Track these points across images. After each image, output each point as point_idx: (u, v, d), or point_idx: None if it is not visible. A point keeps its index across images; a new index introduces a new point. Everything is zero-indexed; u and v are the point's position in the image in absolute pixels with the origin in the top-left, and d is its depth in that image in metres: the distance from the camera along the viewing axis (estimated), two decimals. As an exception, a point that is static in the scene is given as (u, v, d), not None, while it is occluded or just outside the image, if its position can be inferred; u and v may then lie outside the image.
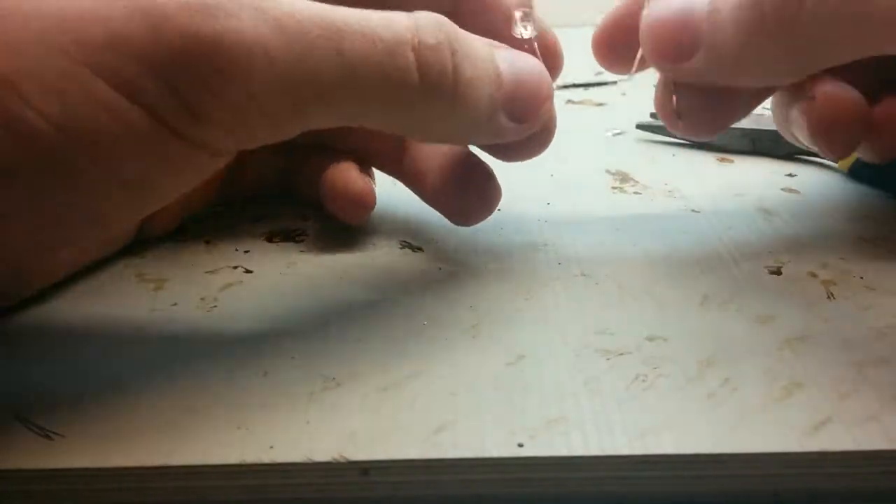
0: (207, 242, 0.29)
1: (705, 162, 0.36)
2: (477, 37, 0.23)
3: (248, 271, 0.27)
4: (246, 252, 0.29)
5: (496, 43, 0.24)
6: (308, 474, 0.19)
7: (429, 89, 0.21)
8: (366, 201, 0.28)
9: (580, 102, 0.45)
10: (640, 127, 0.39)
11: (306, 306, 0.25)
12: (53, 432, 0.20)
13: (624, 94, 0.46)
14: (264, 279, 0.27)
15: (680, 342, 0.23)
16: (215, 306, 0.25)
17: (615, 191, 0.33)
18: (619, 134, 0.40)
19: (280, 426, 0.20)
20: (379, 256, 0.28)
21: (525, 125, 0.24)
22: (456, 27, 0.22)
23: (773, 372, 0.21)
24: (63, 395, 0.21)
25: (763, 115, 0.39)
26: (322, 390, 0.21)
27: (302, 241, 0.29)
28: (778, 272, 0.26)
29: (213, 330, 0.24)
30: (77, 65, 0.18)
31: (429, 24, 0.21)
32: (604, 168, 0.35)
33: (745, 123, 0.37)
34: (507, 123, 0.23)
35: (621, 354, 0.22)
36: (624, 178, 0.34)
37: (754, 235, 0.29)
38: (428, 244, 0.29)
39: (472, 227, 0.29)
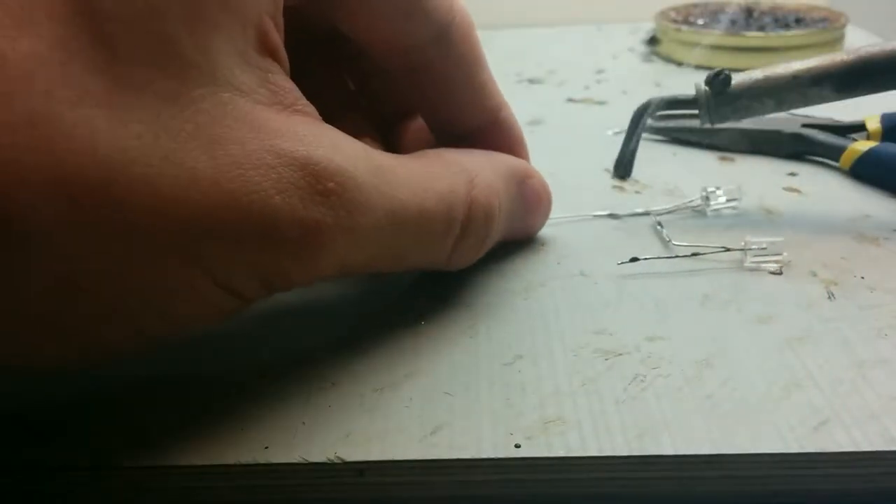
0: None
1: (706, 161, 0.36)
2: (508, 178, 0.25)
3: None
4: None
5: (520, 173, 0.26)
6: (304, 475, 0.19)
7: (462, 242, 0.23)
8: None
9: (581, 101, 0.45)
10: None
11: (302, 306, 0.25)
12: (51, 432, 0.20)
13: (625, 93, 0.46)
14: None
15: (679, 342, 0.22)
16: (212, 306, 0.25)
17: (615, 190, 0.33)
18: (619, 133, 0.40)
19: (276, 426, 0.20)
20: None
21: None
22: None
23: (773, 372, 0.21)
24: (58, 395, 0.21)
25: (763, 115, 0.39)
26: (318, 390, 0.21)
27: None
28: (778, 272, 0.26)
29: (208, 330, 0.24)
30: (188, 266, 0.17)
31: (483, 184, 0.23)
32: (604, 167, 0.35)
33: (745, 124, 0.37)
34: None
35: (620, 355, 0.22)
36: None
37: (755, 235, 0.29)
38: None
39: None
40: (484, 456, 0.19)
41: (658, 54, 0.55)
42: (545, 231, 0.29)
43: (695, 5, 0.58)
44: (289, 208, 0.18)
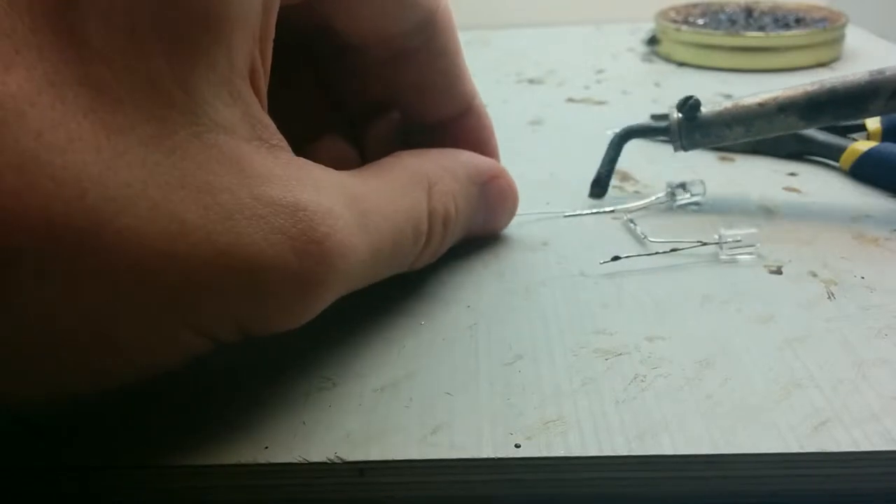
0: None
1: (706, 161, 0.36)
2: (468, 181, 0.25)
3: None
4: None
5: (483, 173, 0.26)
6: (303, 475, 0.19)
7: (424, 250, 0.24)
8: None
9: (581, 101, 0.45)
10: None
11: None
12: (49, 431, 0.20)
13: (625, 93, 0.46)
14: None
15: (679, 342, 0.22)
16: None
17: (615, 189, 0.33)
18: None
19: (275, 426, 0.20)
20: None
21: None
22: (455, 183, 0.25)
23: (773, 372, 0.21)
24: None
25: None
26: (318, 390, 0.21)
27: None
28: (778, 272, 0.26)
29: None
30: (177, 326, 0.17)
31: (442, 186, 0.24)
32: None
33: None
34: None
35: (620, 355, 0.22)
36: (624, 176, 0.34)
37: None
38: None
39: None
40: (484, 456, 0.19)
41: (658, 54, 0.55)
42: (545, 230, 0.29)
43: (695, 5, 0.58)
44: (283, 262, 0.17)
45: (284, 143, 0.19)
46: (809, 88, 0.29)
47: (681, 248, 0.27)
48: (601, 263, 0.27)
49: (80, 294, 0.15)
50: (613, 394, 0.20)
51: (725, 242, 0.27)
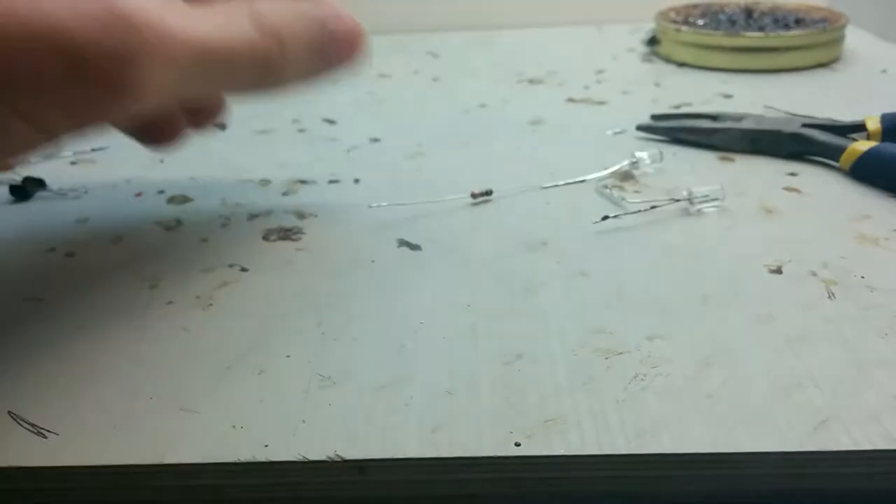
0: (203, 240, 0.29)
1: (706, 161, 0.36)
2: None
3: (244, 270, 0.27)
4: (242, 250, 0.28)
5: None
6: (303, 473, 0.19)
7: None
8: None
9: (581, 101, 0.45)
10: (640, 128, 0.39)
11: (302, 305, 0.25)
12: (47, 430, 0.20)
13: (625, 93, 0.46)
14: (260, 277, 0.27)
15: (679, 342, 0.22)
16: (211, 304, 0.25)
17: (615, 189, 0.33)
18: (619, 133, 0.40)
19: (275, 425, 0.20)
20: (376, 255, 0.28)
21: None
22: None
23: (773, 372, 0.21)
24: (57, 393, 0.21)
25: (763, 115, 0.39)
26: (318, 389, 0.21)
27: (298, 239, 0.29)
28: (778, 271, 0.26)
29: (208, 328, 0.24)
30: None
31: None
32: (603, 166, 0.35)
33: (745, 124, 0.37)
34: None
35: (620, 354, 0.22)
36: (624, 176, 0.34)
37: (755, 234, 0.29)
38: (426, 242, 0.29)
39: (470, 226, 0.28)
40: (484, 454, 0.19)
41: (658, 54, 0.55)
42: (545, 230, 0.29)
43: (695, 6, 0.58)
44: (94, 43, 0.17)
45: None
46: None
47: (659, 205, 0.30)
48: (594, 223, 0.29)
49: None
50: (613, 393, 0.20)
51: (695, 198, 0.30)
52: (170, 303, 0.25)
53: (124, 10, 0.18)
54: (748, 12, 0.56)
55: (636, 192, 0.33)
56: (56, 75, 0.17)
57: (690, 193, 0.30)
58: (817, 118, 0.38)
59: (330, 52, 0.25)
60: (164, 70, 0.19)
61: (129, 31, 0.18)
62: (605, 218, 0.29)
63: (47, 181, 0.34)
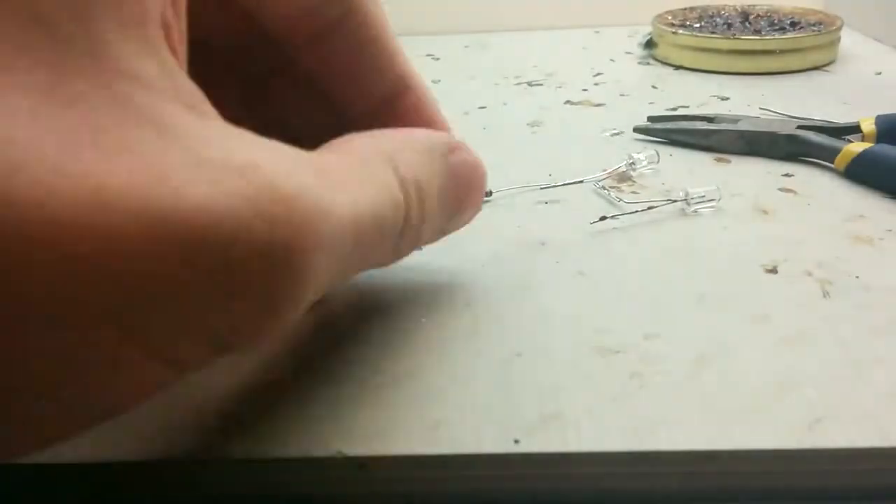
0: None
1: (702, 162, 0.36)
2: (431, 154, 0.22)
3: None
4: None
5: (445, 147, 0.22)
6: (304, 470, 0.19)
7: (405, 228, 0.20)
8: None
9: (578, 103, 0.45)
10: (637, 130, 0.40)
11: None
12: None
13: (622, 96, 0.47)
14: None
15: (676, 340, 0.23)
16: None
17: (613, 190, 0.33)
18: (617, 134, 0.40)
19: (276, 421, 0.20)
20: (376, 255, 0.28)
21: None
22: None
23: (769, 370, 0.21)
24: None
25: (759, 117, 0.39)
26: (319, 385, 0.21)
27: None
28: (774, 271, 0.26)
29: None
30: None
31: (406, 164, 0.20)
32: (601, 168, 0.35)
33: (741, 126, 0.37)
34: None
35: (617, 352, 0.22)
36: (621, 177, 0.34)
37: (751, 234, 0.29)
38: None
39: (469, 226, 0.28)
40: (484, 451, 0.19)
41: (655, 57, 0.55)
42: (543, 230, 0.30)
43: (691, 9, 0.58)
44: (244, 227, 0.13)
45: (217, 114, 0.15)
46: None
47: (655, 206, 0.31)
48: (591, 224, 0.30)
49: None
50: (611, 391, 0.21)
51: (692, 199, 0.31)
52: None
53: (285, 196, 0.14)
54: (744, 16, 0.56)
55: (633, 192, 0.33)
56: (185, 276, 0.12)
57: (687, 194, 0.31)
58: (812, 120, 0.38)
59: (464, 205, 0.24)
60: (325, 266, 0.15)
61: (292, 224, 0.14)
62: (603, 218, 0.30)
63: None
